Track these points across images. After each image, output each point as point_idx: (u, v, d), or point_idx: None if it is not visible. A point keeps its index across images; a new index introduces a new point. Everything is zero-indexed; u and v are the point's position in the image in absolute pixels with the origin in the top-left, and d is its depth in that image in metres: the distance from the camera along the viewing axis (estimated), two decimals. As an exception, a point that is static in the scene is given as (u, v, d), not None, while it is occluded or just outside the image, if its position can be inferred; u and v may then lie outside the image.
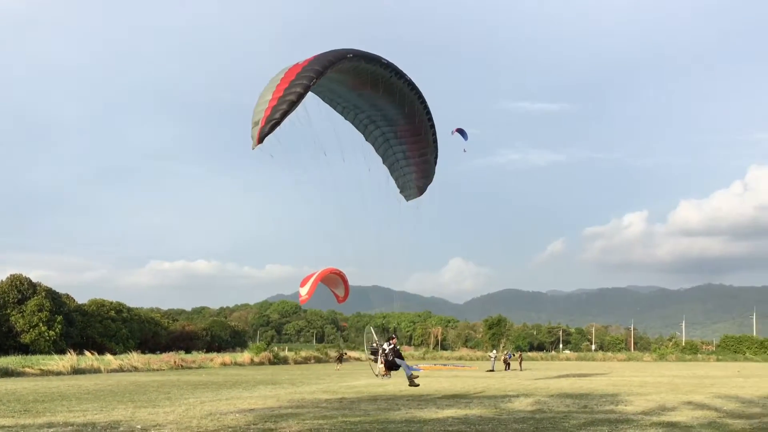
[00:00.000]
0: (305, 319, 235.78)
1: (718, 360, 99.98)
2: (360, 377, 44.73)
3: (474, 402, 24.93)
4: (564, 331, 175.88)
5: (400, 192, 25.81)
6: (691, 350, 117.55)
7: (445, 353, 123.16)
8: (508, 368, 59.36)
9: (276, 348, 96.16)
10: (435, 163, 25.42)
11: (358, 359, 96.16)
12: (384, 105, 23.69)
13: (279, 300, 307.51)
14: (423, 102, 24.05)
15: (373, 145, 25.23)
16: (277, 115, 18.69)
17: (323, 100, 23.92)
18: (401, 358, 24.94)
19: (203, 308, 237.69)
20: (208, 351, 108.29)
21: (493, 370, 56.53)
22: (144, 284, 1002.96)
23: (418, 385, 25.45)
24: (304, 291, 53.51)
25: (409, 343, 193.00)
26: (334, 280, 57.04)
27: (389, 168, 25.36)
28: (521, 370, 58.51)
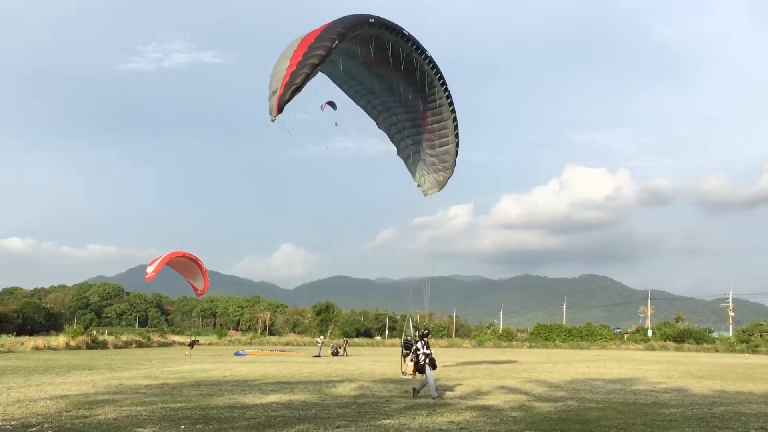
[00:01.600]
0: (128, 302, 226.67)
1: (530, 347, 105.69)
2: (184, 362, 43.67)
3: (299, 387, 25.01)
4: (390, 317, 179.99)
5: (418, 186, 23.54)
6: (507, 337, 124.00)
7: (273, 338, 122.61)
8: (337, 355, 59.97)
9: (95, 332, 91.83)
10: (457, 152, 22.95)
11: (182, 344, 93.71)
12: (403, 86, 21.23)
13: (100, 282, 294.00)
14: (443, 82, 21.82)
15: (387, 133, 22.90)
16: (298, 80, 16.85)
17: (335, 83, 21.86)
18: (433, 367, 20.97)
19: (15, 289, 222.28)
20: (19, 334, 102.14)
21: (319, 356, 56.92)
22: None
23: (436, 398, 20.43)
24: (150, 269, 52.34)
25: (236, 328, 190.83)
26: (189, 267, 55.72)
27: (405, 160, 23.11)
28: (347, 356, 59.29)
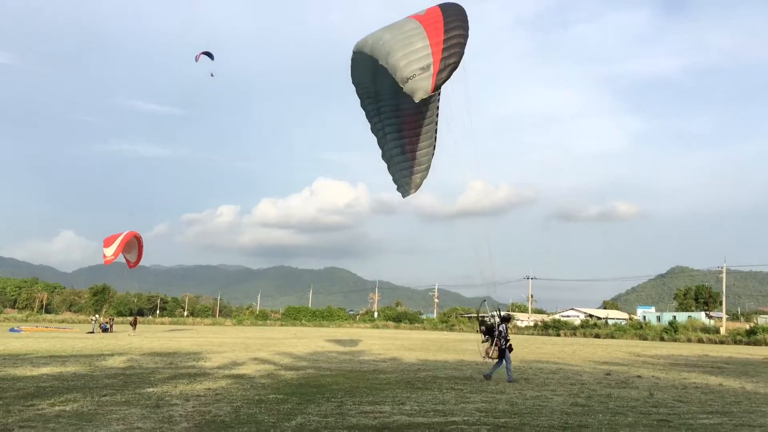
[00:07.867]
0: None
1: (282, 325, 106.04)
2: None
3: (70, 360, 23.01)
4: (162, 299, 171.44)
5: (397, 189, 20.14)
6: (263, 317, 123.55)
7: (49, 316, 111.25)
8: (107, 331, 55.87)
9: None
10: (433, 153, 19.36)
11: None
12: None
13: None
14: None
15: (375, 136, 19.44)
16: (455, 59, 13.42)
17: (353, 82, 18.16)
18: (510, 350, 18.87)
19: None
20: None
21: (93, 332, 52.78)
22: None
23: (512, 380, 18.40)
24: (109, 252, 43.80)
25: (13, 306, 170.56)
26: (133, 244, 47.91)
27: (387, 162, 19.74)
28: (113, 332, 55.38)
